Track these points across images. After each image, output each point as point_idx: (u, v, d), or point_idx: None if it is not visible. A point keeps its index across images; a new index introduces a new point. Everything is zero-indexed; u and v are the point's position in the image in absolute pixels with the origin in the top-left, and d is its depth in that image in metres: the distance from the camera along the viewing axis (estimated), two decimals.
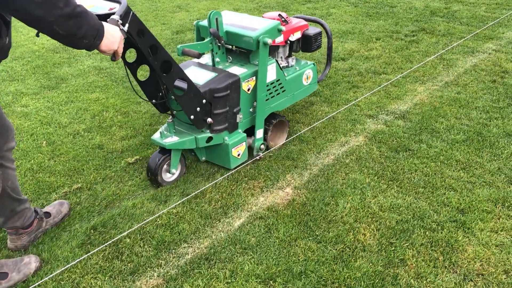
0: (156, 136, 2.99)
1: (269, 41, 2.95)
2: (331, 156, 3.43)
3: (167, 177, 3.11)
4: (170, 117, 2.96)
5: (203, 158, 3.28)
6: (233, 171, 3.23)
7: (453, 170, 3.20)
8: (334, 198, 2.98)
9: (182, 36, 6.09)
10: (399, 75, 4.65)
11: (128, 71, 2.68)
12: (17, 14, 1.57)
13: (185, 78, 2.66)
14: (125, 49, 2.35)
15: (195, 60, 3.23)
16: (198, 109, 2.80)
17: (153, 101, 2.91)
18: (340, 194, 3.01)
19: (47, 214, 2.71)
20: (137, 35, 2.25)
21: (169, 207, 2.92)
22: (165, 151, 3.02)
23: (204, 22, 3.13)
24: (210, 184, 3.14)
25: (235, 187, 3.12)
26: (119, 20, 2.00)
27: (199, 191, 3.07)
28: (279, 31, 3.07)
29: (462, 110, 3.97)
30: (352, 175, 3.20)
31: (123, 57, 2.28)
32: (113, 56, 2.00)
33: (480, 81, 4.47)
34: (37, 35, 1.94)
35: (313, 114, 4.00)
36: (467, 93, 4.25)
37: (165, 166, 3.05)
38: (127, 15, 2.10)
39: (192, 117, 2.80)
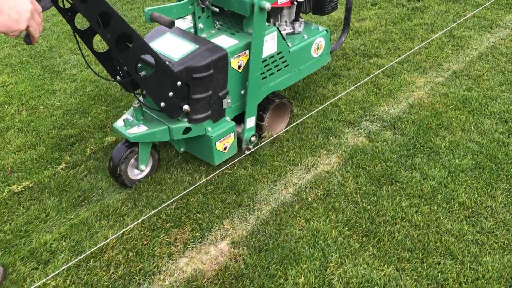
0: (119, 124, 2.38)
1: (268, 5, 2.28)
2: (290, 189, 2.53)
3: (135, 174, 2.55)
4: (136, 101, 2.32)
5: (182, 149, 2.65)
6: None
7: (454, 220, 2.31)
8: (283, 267, 2.11)
9: None
10: (394, 59, 3.63)
11: (80, 40, 2.12)
12: None
13: (151, 54, 2.06)
14: (73, 14, 1.96)
15: (177, 23, 2.54)
16: (170, 94, 2.21)
17: (117, 78, 2.30)
18: (292, 258, 2.15)
19: None
20: (80, 1, 1.73)
21: (47, 278, 2.06)
22: (132, 143, 2.41)
23: None
24: (114, 236, 2.26)
25: (149, 239, 2.25)
26: None
27: (96, 248, 2.20)
28: None
29: (472, 117, 3.01)
30: (314, 223, 2.32)
31: (71, 23, 1.91)
32: (26, 37, 1.37)
33: (498, 72, 3.46)
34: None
35: None
36: (480, 90, 3.26)
37: (132, 161, 2.48)
38: None
39: (162, 104, 2.21)
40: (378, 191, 2.49)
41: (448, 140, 2.82)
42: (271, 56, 2.61)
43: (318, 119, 3.03)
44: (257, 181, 2.58)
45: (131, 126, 2.35)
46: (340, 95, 3.23)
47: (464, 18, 4.19)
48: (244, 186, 2.55)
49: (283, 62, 2.72)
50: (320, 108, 3.10)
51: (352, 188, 2.52)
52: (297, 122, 2.98)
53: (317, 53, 2.93)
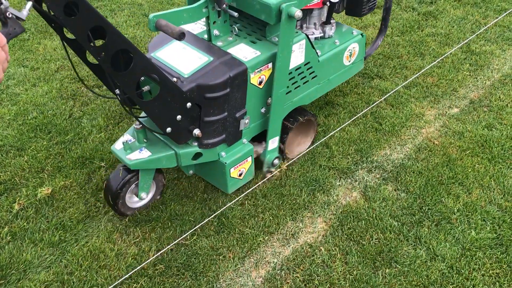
0: (117, 146, 2.04)
1: (299, 13, 1.91)
2: (262, 271, 2.00)
3: (134, 201, 2.20)
4: (137, 122, 1.96)
5: (191, 172, 2.30)
6: None
7: None
8: None
9: None
10: (401, 82, 3.04)
11: (70, 51, 1.84)
12: None
13: (156, 74, 1.72)
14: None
15: (184, 27, 2.16)
16: (178, 117, 1.88)
17: (117, 91, 1.80)
18: None
19: None
20: (65, 12, 1.42)
21: None
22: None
23: None
24: None
25: None
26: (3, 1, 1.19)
27: None
28: None
29: (493, 167, 2.45)
30: None
31: (59, 31, 1.64)
32: None
33: None
34: None
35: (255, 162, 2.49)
36: (503, 128, 2.69)
37: (132, 186, 2.13)
38: None
39: (168, 130, 1.88)
40: (372, 277, 1.96)
41: (462, 201, 2.27)
42: (298, 68, 2.24)
43: (305, 165, 2.48)
44: (221, 257, 2.05)
45: (131, 150, 2.00)
46: (332, 133, 2.66)
47: (485, 27, 3.56)
48: (204, 264, 2.02)
49: (311, 73, 2.35)
50: (306, 150, 2.54)
51: (340, 272, 1.99)
52: (279, 169, 2.43)
53: (349, 61, 2.56)
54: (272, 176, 2.38)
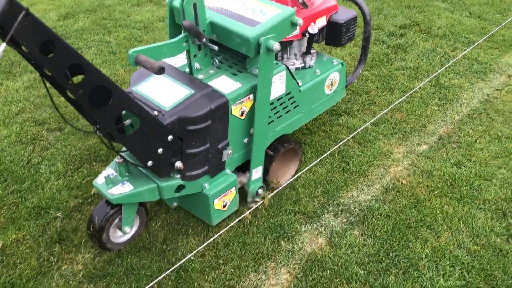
0: (99, 181, 2.02)
1: (277, 45, 1.95)
2: None
3: (117, 236, 2.17)
4: (118, 155, 1.94)
5: (174, 204, 2.29)
6: None
7: None
8: None
9: (71, 22, 4.29)
10: (369, 119, 3.00)
11: (49, 86, 1.76)
12: None
13: (136, 109, 1.72)
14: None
15: (166, 60, 2.20)
16: (160, 150, 1.88)
17: (97, 126, 1.81)
18: None
19: None
20: (41, 51, 1.40)
21: None
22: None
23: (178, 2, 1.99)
24: None
25: None
26: None
27: None
28: (294, 25, 2.07)
29: (462, 208, 2.39)
30: None
31: (38, 68, 1.61)
32: None
33: (493, 138, 2.85)
34: None
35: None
36: (472, 166, 2.64)
37: (116, 221, 2.10)
38: (10, 20, 1.27)
39: (150, 163, 1.88)
40: None
41: (431, 245, 2.20)
42: (279, 98, 2.26)
43: (270, 210, 2.40)
44: None
45: (113, 184, 1.98)
46: (299, 174, 2.59)
47: (453, 60, 3.56)
48: None
49: (293, 103, 2.37)
50: (274, 193, 2.46)
51: None
52: (242, 216, 2.34)
53: (331, 90, 2.60)
54: (256, 206, 2.37)
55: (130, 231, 2.17)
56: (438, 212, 2.37)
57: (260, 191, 2.37)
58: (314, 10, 2.36)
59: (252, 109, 2.13)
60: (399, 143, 2.83)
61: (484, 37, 3.85)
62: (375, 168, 2.65)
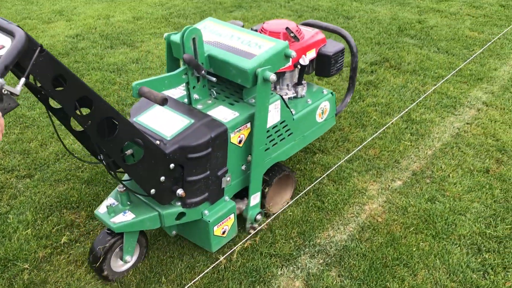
0: (101, 210, 2.08)
1: (273, 76, 2.06)
2: None
3: (118, 265, 2.20)
4: (120, 185, 2.01)
5: (173, 232, 2.34)
6: None
7: None
8: None
9: None
10: (343, 156, 3.01)
11: (55, 119, 1.91)
12: None
13: (140, 138, 1.81)
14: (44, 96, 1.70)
15: (165, 93, 2.30)
16: (162, 179, 1.95)
17: (100, 157, 1.94)
18: None
19: None
20: (53, 85, 1.48)
21: None
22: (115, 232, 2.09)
23: (179, 37, 2.15)
24: None
25: None
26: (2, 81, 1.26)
27: None
28: (288, 57, 2.19)
29: (437, 244, 2.38)
30: None
31: (45, 102, 1.70)
32: None
33: (466, 171, 2.88)
34: None
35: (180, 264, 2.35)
36: (446, 200, 2.65)
37: (117, 250, 2.15)
38: (27, 56, 1.37)
39: (152, 191, 1.95)
40: None
41: (408, 284, 2.18)
42: (274, 126, 2.35)
43: (245, 253, 2.35)
44: None
45: (115, 213, 2.04)
46: (272, 217, 2.56)
47: (424, 96, 3.63)
48: None
49: (287, 131, 2.46)
50: (248, 237, 2.42)
51: None
52: (217, 262, 2.29)
53: (322, 118, 2.69)
54: (254, 231, 2.44)
55: (131, 260, 2.21)
56: (414, 249, 2.36)
57: (259, 217, 2.42)
58: (305, 43, 2.49)
59: (249, 137, 2.22)
60: (373, 179, 2.84)
61: (453, 72, 3.95)
62: (350, 206, 2.65)
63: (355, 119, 3.39)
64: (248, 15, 5.26)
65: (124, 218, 2.03)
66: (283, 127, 2.42)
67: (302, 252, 2.37)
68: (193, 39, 2.05)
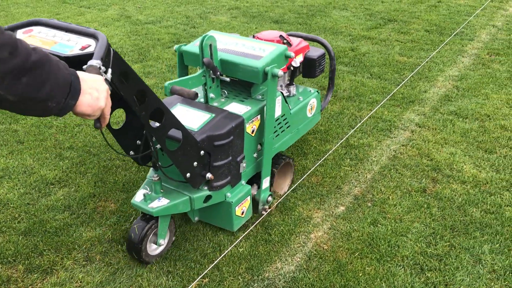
0: (138, 198, 2.34)
1: (281, 72, 2.46)
2: None
3: (152, 249, 2.45)
4: (155, 174, 2.33)
5: (196, 219, 2.65)
6: None
7: None
8: None
9: None
10: (287, 189, 3.04)
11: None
12: None
13: (179, 128, 2.11)
14: None
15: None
16: (195, 164, 2.26)
17: (131, 153, 2.30)
18: None
19: None
20: (120, 79, 1.72)
21: None
22: (150, 217, 2.37)
23: (189, 47, 2.66)
24: None
25: None
26: (101, 67, 1.42)
27: None
28: (287, 57, 2.61)
29: (382, 267, 2.44)
30: None
31: None
32: (97, 121, 1.39)
33: (404, 192, 2.98)
34: None
35: None
36: (388, 223, 2.73)
37: (151, 236, 2.39)
38: (108, 56, 1.55)
39: (188, 175, 2.24)
40: None
41: None
42: (277, 119, 2.72)
43: None
44: None
45: (151, 200, 2.32)
46: (224, 253, 2.53)
47: (361, 122, 3.76)
48: None
49: (286, 123, 2.85)
50: (194, 285, 2.38)
51: None
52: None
53: (311, 113, 3.11)
54: (267, 212, 2.78)
55: (164, 243, 2.45)
56: (360, 274, 2.40)
57: (270, 198, 2.75)
58: (295, 48, 2.89)
59: (259, 127, 2.61)
60: (317, 207, 2.89)
61: (387, 97, 4.13)
62: (296, 236, 2.67)
63: (296, 148, 3.45)
64: None
65: (160, 203, 2.31)
66: (283, 120, 2.81)
67: (251, 285, 2.36)
68: (210, 45, 2.41)
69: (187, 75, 2.72)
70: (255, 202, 2.74)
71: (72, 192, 3.02)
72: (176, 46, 2.69)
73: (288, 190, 2.98)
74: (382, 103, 4.04)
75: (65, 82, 1.19)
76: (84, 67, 1.40)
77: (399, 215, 2.79)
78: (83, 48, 1.60)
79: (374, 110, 3.93)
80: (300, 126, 3.02)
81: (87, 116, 1.28)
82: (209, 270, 2.43)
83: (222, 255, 2.52)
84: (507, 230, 2.67)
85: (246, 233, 2.67)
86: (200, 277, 2.39)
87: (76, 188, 3.05)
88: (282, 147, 2.87)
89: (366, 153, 3.39)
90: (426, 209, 2.84)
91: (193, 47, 2.65)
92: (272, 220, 2.77)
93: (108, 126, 2.09)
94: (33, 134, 3.68)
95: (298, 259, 2.52)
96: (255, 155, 2.67)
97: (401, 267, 2.45)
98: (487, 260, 2.47)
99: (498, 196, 2.94)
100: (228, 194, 2.51)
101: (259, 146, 2.66)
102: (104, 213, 2.84)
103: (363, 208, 2.86)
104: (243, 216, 2.63)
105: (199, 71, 2.44)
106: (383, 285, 2.34)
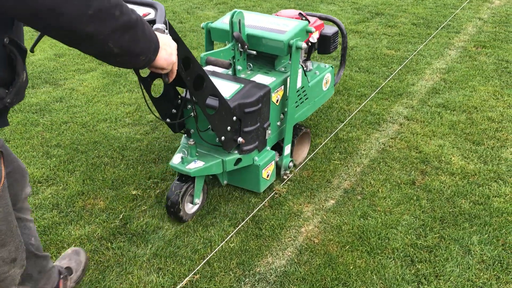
0: (176, 161, 2.58)
1: (304, 44, 2.69)
2: None
3: (189, 208, 2.70)
4: (191, 139, 2.57)
5: (225, 182, 2.86)
6: None
7: None
8: None
9: None
10: (278, 181, 3.04)
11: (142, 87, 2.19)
12: (58, 34, 1.18)
13: (217, 94, 2.32)
14: None
15: (209, 68, 2.86)
16: (228, 128, 2.48)
17: (167, 120, 2.55)
18: None
19: (69, 270, 2.22)
20: None
21: None
22: (187, 179, 2.62)
23: (216, 24, 2.88)
24: None
25: None
26: (166, 30, 1.66)
27: None
28: (308, 32, 2.82)
29: (372, 260, 2.45)
30: None
31: (137, 71, 2.09)
32: (165, 76, 1.62)
33: (393, 185, 3.00)
34: (31, 51, 1.67)
35: None
36: (378, 215, 2.74)
37: (187, 196, 2.64)
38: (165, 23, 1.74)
39: (223, 138, 2.47)
40: None
41: None
42: (297, 90, 2.92)
43: None
44: None
45: (188, 162, 2.54)
46: (215, 250, 2.53)
47: (350, 116, 3.77)
48: None
49: (305, 95, 3.06)
50: (185, 281, 2.37)
51: None
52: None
53: (325, 87, 3.31)
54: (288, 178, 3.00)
55: (199, 202, 2.70)
56: (351, 267, 2.41)
57: (291, 164, 2.99)
58: (313, 25, 3.06)
59: (282, 97, 2.84)
60: (307, 201, 2.89)
61: (376, 91, 4.14)
62: (287, 230, 2.67)
63: None
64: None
65: (196, 165, 2.53)
66: (303, 92, 3.01)
67: (242, 283, 2.35)
68: (239, 21, 2.60)
69: (213, 49, 2.93)
70: (277, 167, 2.96)
71: (60, 190, 2.98)
72: (203, 24, 2.92)
73: (305, 159, 3.22)
74: (370, 96, 4.05)
75: (152, 40, 1.40)
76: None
77: (389, 208, 2.80)
78: (144, 16, 1.79)
79: (363, 104, 3.94)
80: (317, 98, 3.22)
81: (161, 69, 1.50)
82: (200, 266, 2.42)
83: (214, 251, 2.51)
84: (495, 220, 2.70)
85: (237, 229, 2.67)
86: (192, 273, 2.38)
87: (64, 186, 3.02)
88: (301, 118, 3.07)
89: (355, 147, 3.39)
90: (416, 201, 2.85)
91: (220, 24, 2.86)
92: (262, 215, 2.77)
93: (150, 94, 2.35)
94: (19, 132, 3.63)
95: (289, 253, 2.52)
96: (278, 123, 2.89)
97: (392, 259, 2.46)
98: (476, 251, 2.49)
99: (486, 187, 2.97)
100: (256, 158, 2.73)
101: (281, 115, 2.89)
102: (93, 211, 2.81)
103: (353, 202, 2.87)
104: (268, 179, 2.84)
105: (228, 45, 2.64)
106: (374, 277, 2.35)
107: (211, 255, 2.49)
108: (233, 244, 2.57)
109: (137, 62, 1.38)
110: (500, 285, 2.30)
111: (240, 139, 2.56)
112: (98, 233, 2.64)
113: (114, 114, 3.84)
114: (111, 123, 3.73)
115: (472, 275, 2.35)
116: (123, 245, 2.56)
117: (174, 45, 1.53)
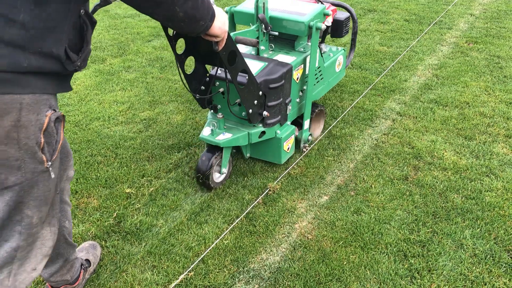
0: (206, 133, 2.78)
1: (324, 25, 2.88)
2: None
3: (216, 177, 2.91)
4: (219, 113, 2.77)
5: (248, 155, 3.10)
6: None
7: None
8: None
9: None
10: (272, 177, 3.05)
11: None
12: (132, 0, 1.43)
13: (246, 69, 2.48)
14: (176, 40, 2.29)
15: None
16: (255, 102, 2.67)
17: (197, 95, 2.69)
18: None
19: (88, 262, 2.27)
20: None
21: None
22: (215, 150, 2.83)
23: (240, 8, 3.07)
24: None
25: None
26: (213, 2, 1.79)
27: None
28: (325, 15, 3.03)
29: (366, 255, 2.46)
30: None
31: (173, 48, 2.29)
32: (216, 44, 1.95)
33: (387, 181, 3.01)
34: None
35: None
36: (371, 211, 2.76)
37: (215, 166, 2.84)
38: None
39: (250, 111, 2.66)
40: None
41: None
42: (315, 69, 3.12)
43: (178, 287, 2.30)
44: None
45: (217, 134, 2.75)
46: (209, 248, 2.53)
47: (343, 114, 3.78)
48: None
49: (321, 75, 3.28)
50: (180, 279, 2.37)
51: None
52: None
53: (338, 69, 3.53)
54: (307, 150, 3.23)
55: (225, 172, 2.90)
56: (345, 263, 2.42)
57: (310, 137, 3.23)
58: (329, 9, 3.21)
59: (302, 75, 3.07)
60: (301, 197, 2.90)
61: (368, 89, 4.15)
62: (281, 227, 2.68)
63: None
64: (167, 44, 5.25)
65: (225, 136, 2.73)
66: (319, 72, 3.23)
67: (236, 279, 2.36)
68: (263, 4, 2.83)
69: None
70: (296, 141, 3.17)
71: None
72: (227, 8, 3.06)
73: (321, 136, 3.45)
74: (364, 93, 4.06)
75: (210, 8, 1.63)
76: None
77: (382, 203, 2.82)
78: None
79: (356, 100, 3.95)
80: (331, 79, 3.42)
81: (215, 37, 1.77)
82: (194, 264, 2.43)
83: (208, 249, 2.52)
84: (487, 215, 2.72)
85: (231, 226, 2.67)
86: (186, 271, 2.38)
87: None
88: (317, 96, 3.30)
89: (349, 143, 3.40)
90: (408, 196, 2.87)
91: (243, 7, 3.07)
92: (256, 212, 2.77)
93: (183, 70, 2.48)
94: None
95: (283, 249, 2.53)
96: (297, 100, 3.09)
97: (385, 254, 2.47)
98: (469, 245, 2.51)
99: (478, 182, 2.99)
100: (278, 131, 2.94)
101: (300, 93, 3.10)
102: (87, 210, 2.81)
103: (347, 197, 2.88)
104: (288, 151, 3.05)
105: (253, 26, 2.87)
106: (368, 272, 2.36)
107: (205, 252, 2.50)
108: (227, 241, 2.57)
109: (198, 27, 1.64)
110: (492, 278, 2.33)
111: (265, 113, 2.75)
112: (92, 232, 2.64)
113: (107, 113, 3.83)
114: (104, 121, 3.72)
115: (465, 269, 2.37)
116: (117, 243, 2.56)
117: (226, 16, 1.76)
